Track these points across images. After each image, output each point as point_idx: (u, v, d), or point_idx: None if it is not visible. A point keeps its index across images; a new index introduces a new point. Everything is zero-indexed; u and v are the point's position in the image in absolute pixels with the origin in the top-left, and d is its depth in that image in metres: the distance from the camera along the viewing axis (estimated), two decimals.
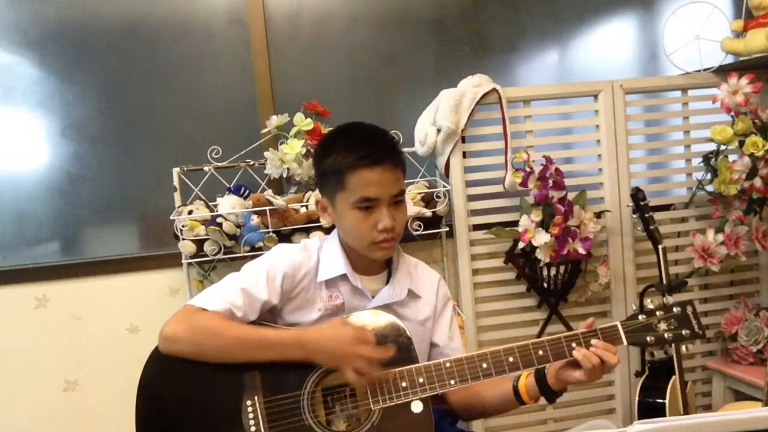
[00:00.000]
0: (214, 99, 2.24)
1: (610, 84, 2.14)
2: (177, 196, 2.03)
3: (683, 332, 1.26)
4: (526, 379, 1.30)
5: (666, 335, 1.26)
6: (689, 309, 1.28)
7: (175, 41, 2.22)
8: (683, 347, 1.34)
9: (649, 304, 1.29)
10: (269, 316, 1.33)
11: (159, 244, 2.20)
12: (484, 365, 1.24)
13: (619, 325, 1.27)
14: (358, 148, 1.27)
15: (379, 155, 1.27)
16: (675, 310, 1.28)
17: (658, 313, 1.28)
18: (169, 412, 1.25)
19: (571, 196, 2.02)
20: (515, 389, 1.31)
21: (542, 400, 1.31)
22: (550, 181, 1.94)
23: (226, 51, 2.25)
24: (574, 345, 1.25)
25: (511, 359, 1.25)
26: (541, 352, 1.25)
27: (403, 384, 1.23)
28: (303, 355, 1.22)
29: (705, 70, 2.19)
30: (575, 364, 1.24)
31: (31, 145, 2.16)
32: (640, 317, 1.28)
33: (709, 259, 2.05)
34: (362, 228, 1.28)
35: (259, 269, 1.31)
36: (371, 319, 1.29)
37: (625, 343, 1.26)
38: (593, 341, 1.24)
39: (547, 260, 1.96)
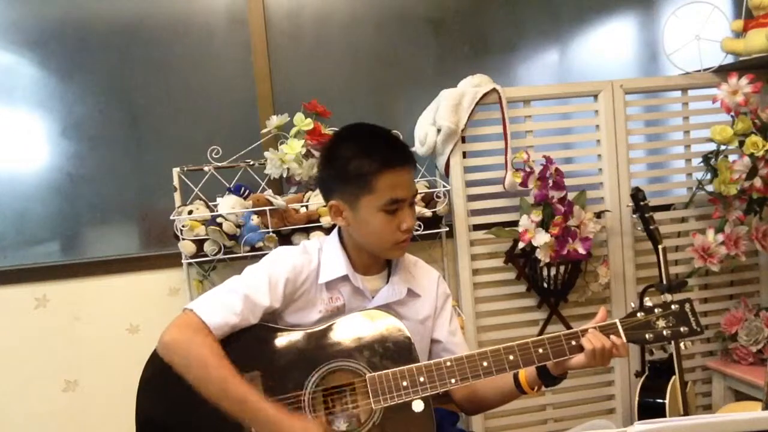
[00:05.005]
0: (214, 99, 2.24)
1: (610, 84, 2.14)
2: (177, 196, 2.03)
3: (681, 329, 1.27)
4: (526, 370, 1.31)
5: (665, 332, 1.27)
6: (687, 306, 1.29)
7: (175, 41, 2.22)
8: (682, 345, 1.34)
9: (648, 302, 1.29)
10: (269, 317, 1.32)
11: (159, 244, 2.20)
12: (485, 364, 1.25)
13: (618, 323, 1.27)
14: (382, 150, 1.28)
15: (403, 157, 1.30)
16: (673, 307, 1.28)
17: (656, 310, 1.28)
18: (170, 413, 1.25)
19: (571, 196, 2.02)
20: (516, 380, 1.33)
21: (540, 399, 1.31)
22: (550, 181, 1.95)
23: (226, 51, 2.25)
24: (573, 343, 1.25)
25: (511, 357, 1.25)
26: (541, 351, 1.26)
27: (404, 383, 1.23)
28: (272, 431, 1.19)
29: (705, 70, 2.19)
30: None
31: (31, 145, 2.16)
32: (638, 315, 1.28)
33: (709, 259, 2.05)
34: (387, 230, 1.30)
35: (260, 275, 1.30)
36: (372, 319, 1.29)
37: (624, 340, 1.26)
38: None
39: (547, 260, 1.96)
